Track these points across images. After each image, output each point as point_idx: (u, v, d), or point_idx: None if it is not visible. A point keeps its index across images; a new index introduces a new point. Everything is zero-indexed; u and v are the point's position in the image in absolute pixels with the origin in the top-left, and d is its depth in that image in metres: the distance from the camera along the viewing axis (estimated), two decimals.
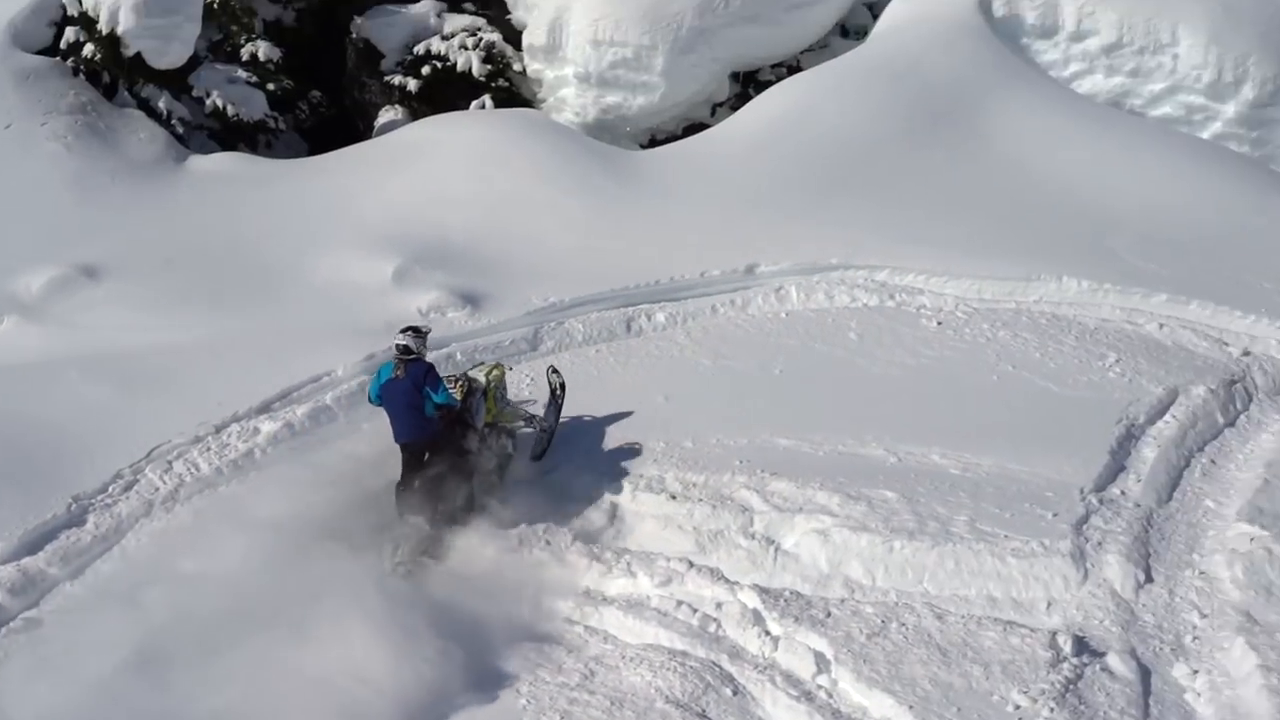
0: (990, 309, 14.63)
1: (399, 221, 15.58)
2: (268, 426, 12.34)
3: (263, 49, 18.89)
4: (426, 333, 11.52)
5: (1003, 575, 9.95)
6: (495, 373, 12.25)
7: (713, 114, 19.51)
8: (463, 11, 20.50)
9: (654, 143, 18.74)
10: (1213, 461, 11.81)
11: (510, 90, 19.88)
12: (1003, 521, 10.41)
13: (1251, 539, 10.33)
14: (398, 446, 11.13)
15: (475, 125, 18.44)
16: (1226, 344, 13.99)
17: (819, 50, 20.02)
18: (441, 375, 11.38)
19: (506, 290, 14.53)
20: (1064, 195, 16.68)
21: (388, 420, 11.09)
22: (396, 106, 19.86)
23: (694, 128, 19.19)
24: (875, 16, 20.36)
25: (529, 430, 12.37)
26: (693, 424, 12.25)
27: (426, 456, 11.15)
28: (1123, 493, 11.07)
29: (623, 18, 19.02)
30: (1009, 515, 10.51)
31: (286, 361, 12.94)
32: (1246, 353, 13.86)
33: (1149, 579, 10.02)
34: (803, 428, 12.05)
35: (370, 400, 11.46)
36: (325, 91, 20.30)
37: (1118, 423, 12.00)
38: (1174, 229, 16.07)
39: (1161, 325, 14.31)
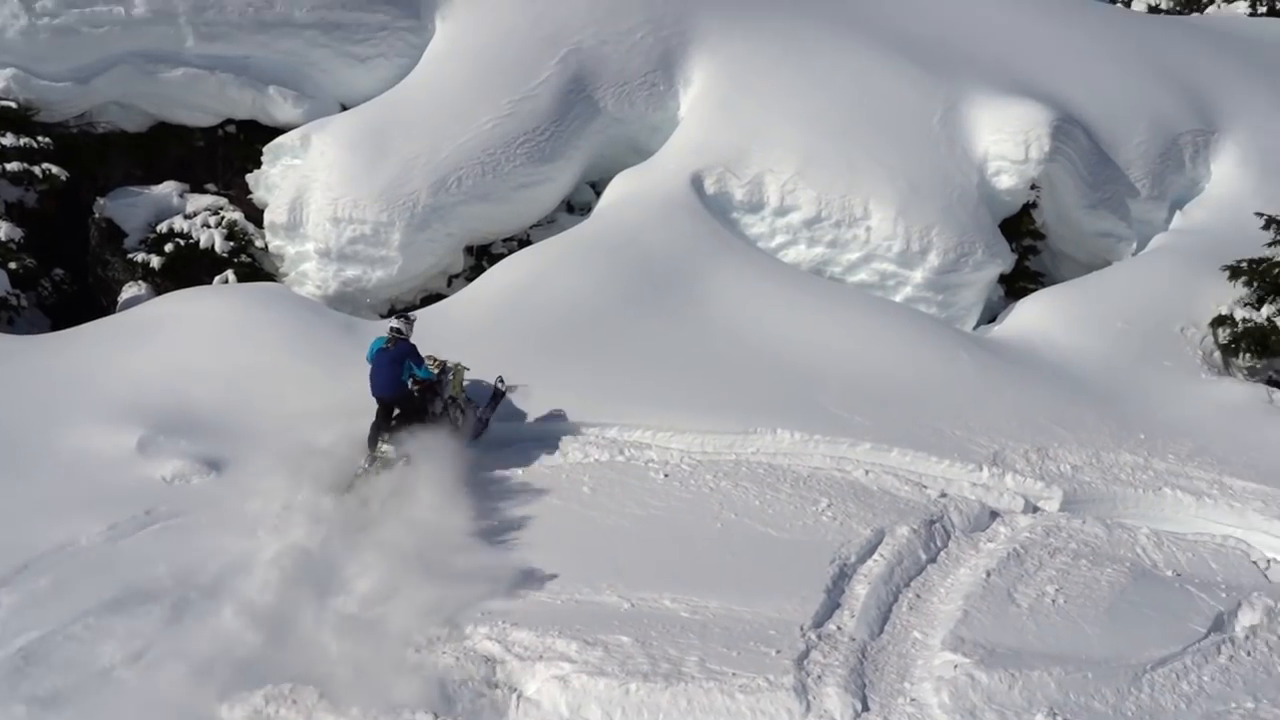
0: (713, 461, 15.21)
1: (143, 393, 15.31)
2: (8, 599, 11.92)
3: (4, 229, 18.54)
4: (414, 320, 14.90)
5: (732, 711, 10.44)
6: (461, 366, 15.53)
7: (449, 285, 19.81)
8: (205, 192, 20.56)
9: (394, 313, 18.83)
10: (918, 595, 12.61)
11: (253, 265, 19.86)
12: (730, 660, 10.92)
13: (955, 666, 11.11)
14: (375, 399, 14.23)
15: (218, 299, 18.36)
16: (925, 487, 14.96)
17: (547, 225, 20.54)
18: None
19: (250, 456, 14.41)
20: (775, 355, 17.50)
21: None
22: (140, 282, 19.65)
23: (431, 298, 19.45)
24: (598, 194, 21.01)
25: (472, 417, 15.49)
26: None
27: (396, 411, 14.34)
28: (839, 628, 11.72)
29: (361, 197, 19.34)
30: (736, 654, 11.02)
31: (29, 532, 12.56)
32: (943, 494, 14.85)
33: (865, 708, 10.65)
34: (541, 578, 12.35)
35: (367, 359, 14.48)
36: (69, 269, 19.97)
37: (831, 563, 12.72)
38: (875, 383, 17.10)
39: (867, 471, 15.18)
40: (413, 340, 14.55)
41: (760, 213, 20.54)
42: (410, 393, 14.44)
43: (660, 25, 22.67)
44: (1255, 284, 19.12)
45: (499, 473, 14.82)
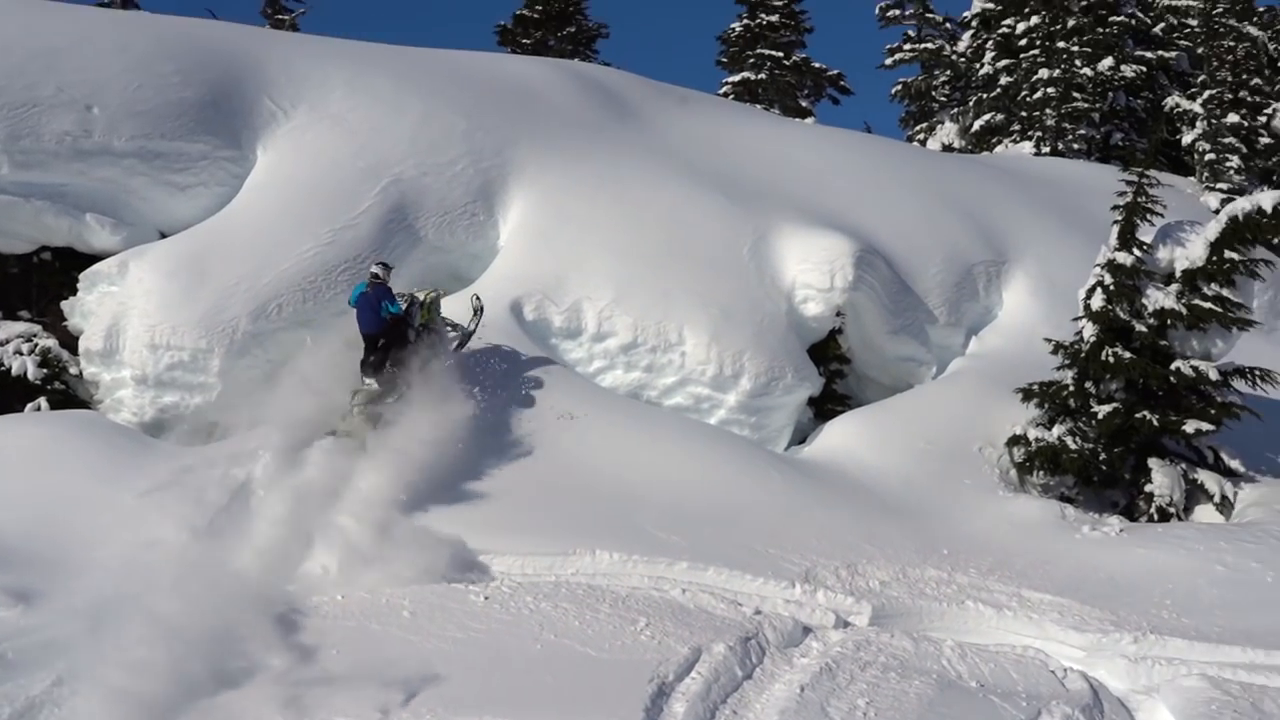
0: (533, 583, 15.19)
1: None
2: None
3: None
4: (391, 267, 18.63)
5: None
6: (432, 294, 19.27)
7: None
8: (18, 319, 20.03)
9: (214, 439, 18.46)
10: (735, 712, 12.64)
11: (67, 393, 19.32)
12: None
13: None
14: (361, 335, 18.03)
15: (30, 427, 17.85)
16: (741, 604, 15.10)
17: None
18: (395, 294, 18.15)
19: (61, 587, 13.91)
20: (594, 477, 17.64)
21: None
22: None
23: (250, 423, 18.96)
24: None
25: (454, 334, 19.33)
26: None
27: (380, 343, 17.95)
28: None
29: (180, 323, 19.04)
30: None
31: None
32: (758, 611, 15.00)
33: None
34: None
35: (350, 303, 18.33)
36: None
37: (650, 681, 12.71)
38: (692, 504, 17.31)
39: (684, 590, 15.30)
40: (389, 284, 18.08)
41: (578, 338, 20.82)
42: (389, 327, 18.00)
43: (480, 157, 23.02)
44: (1046, 405, 19.94)
45: (315, 599, 14.55)
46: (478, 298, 19.74)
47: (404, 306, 18.33)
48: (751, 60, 47.92)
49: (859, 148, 28.73)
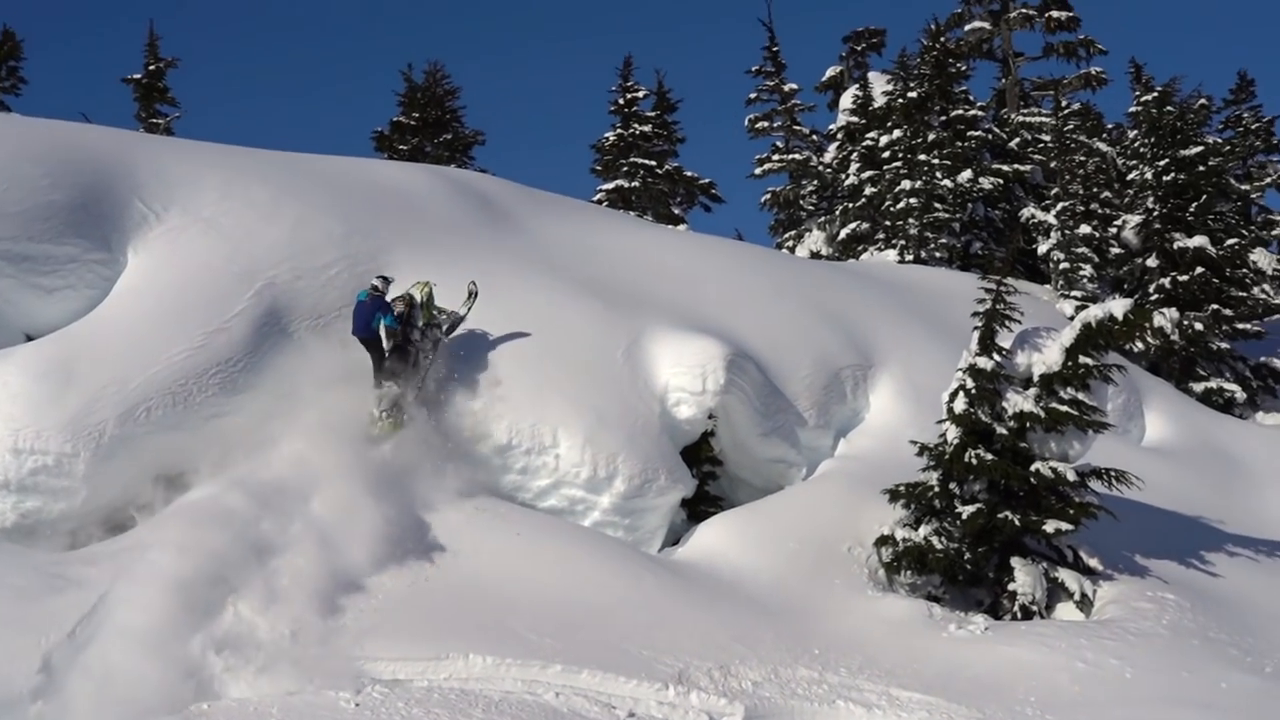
0: (404, 688, 14.96)
1: None
2: None
3: None
4: (391, 280, 21.13)
5: None
6: (425, 289, 21.31)
7: (137, 516, 19.03)
8: None
9: (78, 544, 18.01)
10: None
11: None
12: None
13: None
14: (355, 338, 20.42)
15: None
16: (614, 707, 15.05)
17: None
18: (389, 301, 20.61)
19: None
20: (467, 579, 17.49)
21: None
22: None
23: (117, 529, 18.55)
24: None
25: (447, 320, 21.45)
26: None
27: (386, 347, 20.39)
28: None
29: (44, 427, 18.55)
30: None
31: None
32: (631, 714, 14.95)
33: None
34: None
35: (358, 299, 20.68)
36: None
37: None
38: (566, 606, 17.21)
39: (558, 694, 15.19)
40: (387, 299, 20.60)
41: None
42: (378, 335, 20.30)
43: (356, 261, 22.93)
44: (912, 506, 20.23)
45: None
46: (474, 283, 22.17)
47: (402, 311, 20.61)
48: (625, 168, 48.71)
49: (730, 254, 29.19)
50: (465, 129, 50.13)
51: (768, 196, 49.29)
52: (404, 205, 25.62)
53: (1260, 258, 40.73)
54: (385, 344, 20.46)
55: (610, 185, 48.48)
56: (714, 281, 26.28)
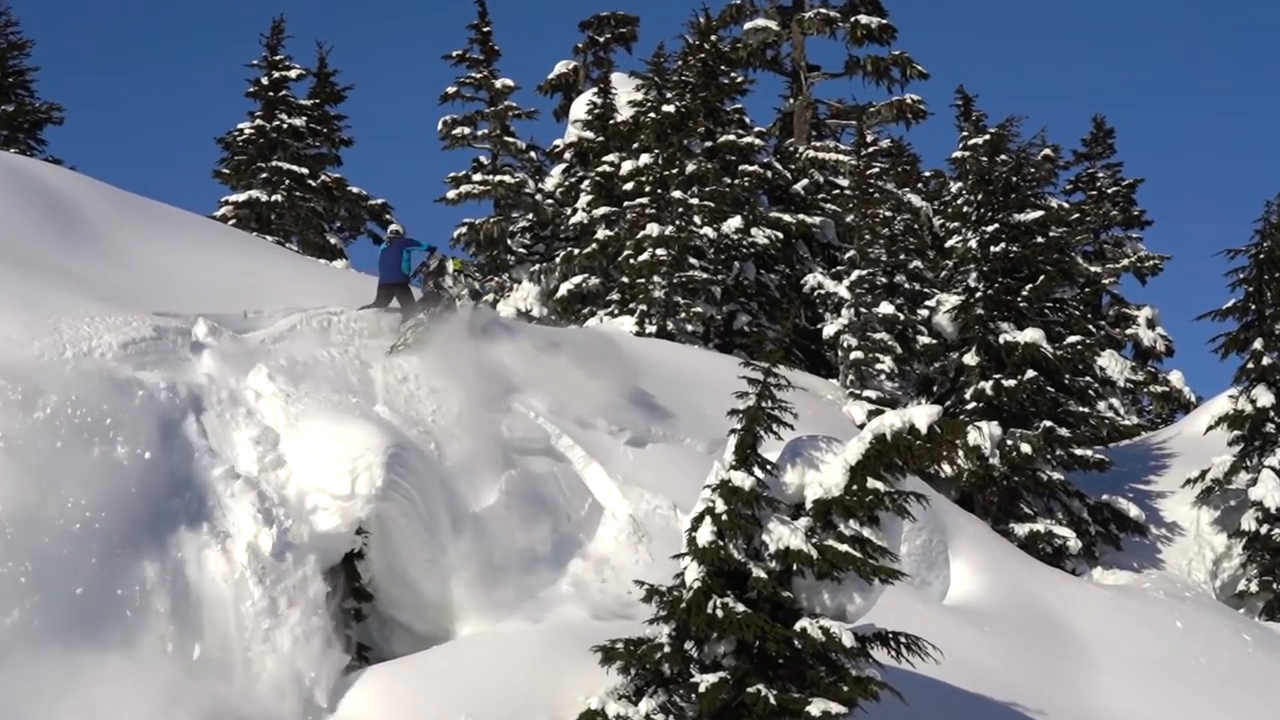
0: None
1: None
2: None
3: None
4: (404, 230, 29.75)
5: None
6: (458, 262, 29.49)
7: None
8: None
9: None
10: None
11: None
12: None
13: None
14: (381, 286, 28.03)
15: None
16: None
17: None
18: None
19: None
20: None
21: None
22: None
23: None
24: None
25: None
26: None
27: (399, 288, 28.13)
28: None
29: None
30: None
31: None
32: None
33: None
34: None
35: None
36: None
37: None
38: None
39: None
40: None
41: None
42: (407, 278, 28.29)
43: None
44: (633, 671, 20.31)
45: None
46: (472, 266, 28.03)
47: (428, 261, 28.93)
48: (264, 175, 47.99)
49: None
50: (35, 100, 48.72)
51: (464, 229, 49.69)
52: None
53: (1109, 363, 42.98)
54: (418, 286, 28.41)
55: (241, 197, 47.74)
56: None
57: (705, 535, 20.03)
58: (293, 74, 49.40)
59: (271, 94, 48.99)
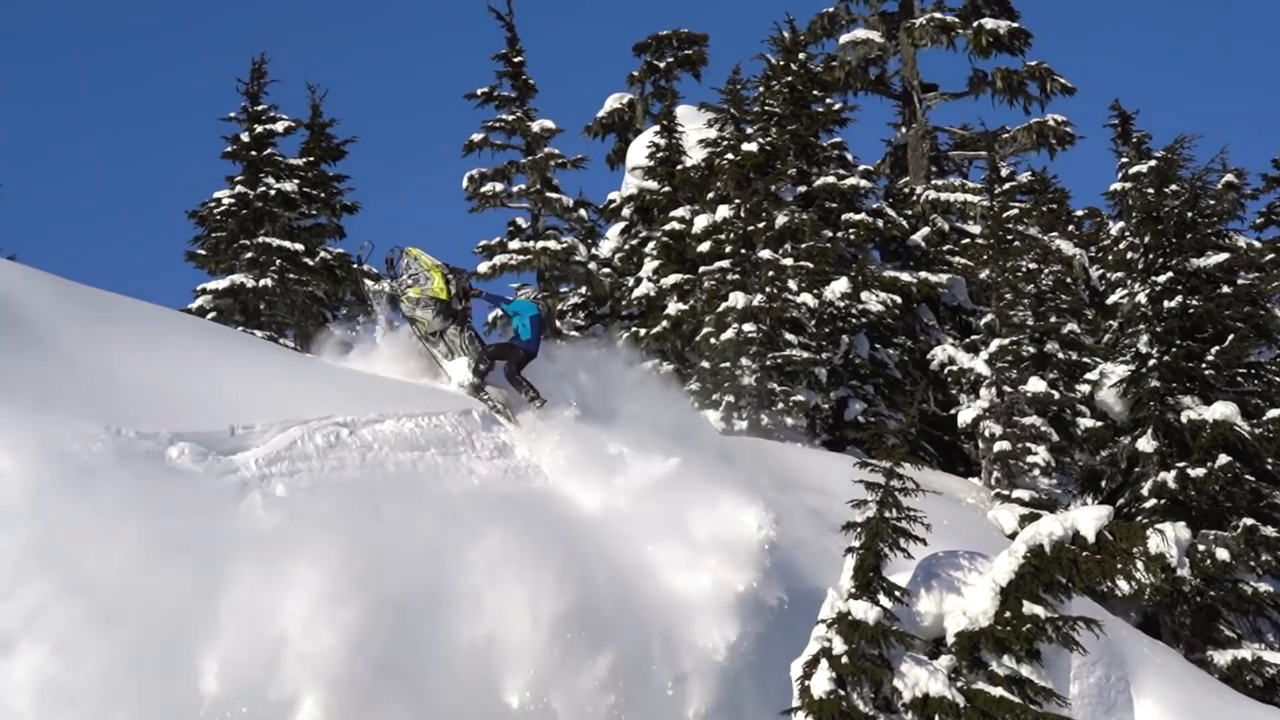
0: None
1: None
2: None
3: None
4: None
5: None
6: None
7: None
8: None
9: None
10: None
11: None
12: None
13: None
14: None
15: None
16: None
17: None
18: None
19: None
20: None
21: None
22: None
23: None
24: None
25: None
26: None
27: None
28: None
29: None
30: None
31: None
32: None
33: None
34: None
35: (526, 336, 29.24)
36: None
37: None
38: None
39: None
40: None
41: None
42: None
43: None
44: None
45: None
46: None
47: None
48: (250, 254, 47.84)
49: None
50: None
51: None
52: None
53: None
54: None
55: (222, 284, 47.53)
56: None
57: (822, 684, 19.92)
58: (280, 127, 49.44)
59: (254, 153, 48.87)
